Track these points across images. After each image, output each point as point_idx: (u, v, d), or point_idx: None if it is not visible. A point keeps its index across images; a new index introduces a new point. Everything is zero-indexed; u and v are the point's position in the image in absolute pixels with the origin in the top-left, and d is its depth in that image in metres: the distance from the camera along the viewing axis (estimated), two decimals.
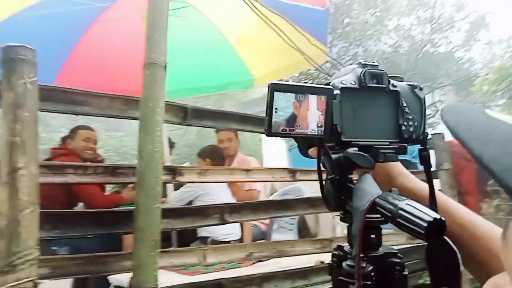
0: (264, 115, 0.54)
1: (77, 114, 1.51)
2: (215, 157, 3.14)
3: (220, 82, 4.22)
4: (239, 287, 1.78)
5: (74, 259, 1.39)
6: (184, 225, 1.65)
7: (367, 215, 0.48)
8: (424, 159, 0.59)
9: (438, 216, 0.42)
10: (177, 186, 3.29)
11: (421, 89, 0.62)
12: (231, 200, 3.04)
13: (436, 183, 2.70)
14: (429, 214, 0.42)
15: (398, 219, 0.44)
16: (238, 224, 3.05)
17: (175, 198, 2.99)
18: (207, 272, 2.21)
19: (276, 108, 0.53)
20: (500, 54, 8.44)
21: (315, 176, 2.03)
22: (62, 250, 2.55)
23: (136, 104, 1.59)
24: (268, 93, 0.53)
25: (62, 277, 1.37)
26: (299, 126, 0.54)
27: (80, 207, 2.82)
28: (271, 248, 1.94)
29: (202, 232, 2.90)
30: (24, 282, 1.13)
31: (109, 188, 3.49)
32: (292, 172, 2.06)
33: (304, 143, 0.64)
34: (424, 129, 0.61)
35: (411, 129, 0.60)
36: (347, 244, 0.59)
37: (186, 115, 1.74)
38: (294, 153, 7.23)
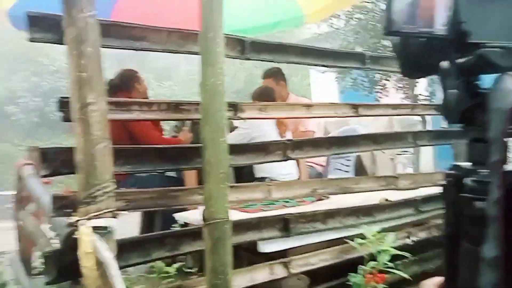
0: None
1: (136, 50, 1.48)
2: (267, 98, 3.07)
3: (270, 21, 4.04)
4: (303, 222, 1.78)
5: (147, 193, 1.43)
6: (248, 161, 1.64)
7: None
8: None
9: None
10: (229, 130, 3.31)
11: None
12: None
13: None
14: None
15: None
16: (295, 165, 3.03)
17: (229, 140, 2.98)
18: (268, 210, 2.23)
19: (396, 4, 0.45)
20: None
21: (378, 111, 1.92)
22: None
23: (194, 38, 1.53)
24: None
25: (136, 209, 1.41)
26: (422, 23, 0.46)
27: None
28: (335, 185, 1.90)
29: (260, 172, 2.91)
30: (104, 212, 1.17)
31: (166, 133, 3.57)
32: (355, 107, 1.96)
33: (412, 59, 0.55)
34: None
35: None
36: (465, 163, 0.52)
37: (244, 48, 1.67)
38: (346, 95, 6.98)
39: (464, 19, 0.47)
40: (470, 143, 0.51)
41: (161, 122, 3.22)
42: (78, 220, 1.10)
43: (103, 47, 1.39)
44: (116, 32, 1.45)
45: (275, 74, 3.53)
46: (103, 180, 1.17)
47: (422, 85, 6.15)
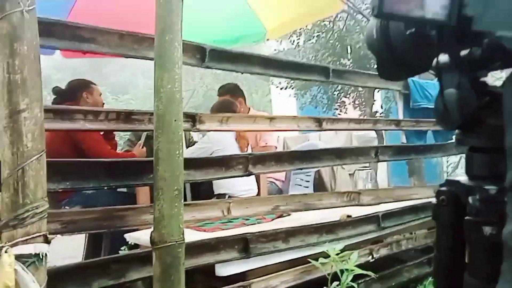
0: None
1: (84, 52, 1.33)
2: (227, 111, 2.96)
3: (231, 35, 3.99)
4: (264, 241, 1.68)
5: (88, 213, 1.26)
6: (206, 177, 1.52)
7: None
8: None
9: None
10: (188, 144, 3.16)
11: None
12: None
13: None
14: None
15: None
16: (255, 181, 2.93)
17: (188, 155, 2.84)
18: (227, 229, 2.10)
19: None
20: None
21: (342, 125, 1.84)
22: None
23: (149, 43, 1.41)
24: None
25: (75, 232, 1.24)
26: (417, 6, 0.37)
27: None
28: (297, 201, 1.81)
29: (219, 189, 2.78)
30: (34, 237, 1.00)
31: (119, 148, 3.36)
32: (318, 120, 1.90)
33: (394, 58, 0.46)
34: None
35: None
36: (464, 177, 0.43)
37: (204, 56, 1.56)
38: (305, 111, 7.04)
39: (468, 2, 0.38)
40: (471, 153, 0.43)
41: (115, 136, 3.02)
42: (0, 246, 0.92)
43: (45, 48, 1.24)
44: (60, 32, 1.30)
45: (232, 91, 3.41)
46: (34, 199, 1.00)
47: (378, 103, 6.32)
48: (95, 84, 2.84)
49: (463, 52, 0.40)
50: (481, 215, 0.40)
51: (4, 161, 1.01)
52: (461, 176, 0.44)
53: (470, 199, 0.41)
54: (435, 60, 0.42)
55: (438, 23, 0.38)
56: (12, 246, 0.95)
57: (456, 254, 0.44)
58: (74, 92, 2.69)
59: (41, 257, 0.98)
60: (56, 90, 2.75)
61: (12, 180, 1.00)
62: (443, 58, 0.42)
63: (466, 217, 0.41)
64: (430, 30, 0.41)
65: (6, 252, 0.92)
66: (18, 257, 0.94)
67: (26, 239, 0.98)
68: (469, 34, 0.39)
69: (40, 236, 1.00)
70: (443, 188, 0.45)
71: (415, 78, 2.58)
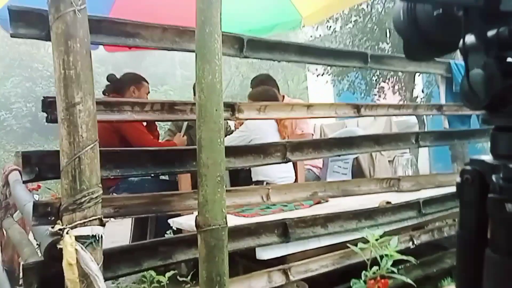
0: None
1: (129, 47, 1.41)
2: (268, 99, 2.99)
3: (267, 24, 3.99)
4: (303, 227, 1.71)
5: (137, 198, 1.35)
6: (246, 164, 1.56)
7: None
8: None
9: None
10: (226, 133, 3.22)
11: None
12: None
13: None
14: None
15: None
16: (292, 168, 2.96)
17: (227, 143, 2.91)
18: (265, 215, 2.15)
19: None
20: None
21: (381, 111, 1.83)
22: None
23: (189, 36, 1.46)
24: None
25: (126, 216, 1.33)
26: None
27: None
28: (335, 188, 1.83)
29: (258, 176, 2.84)
30: (91, 220, 1.09)
31: (160, 138, 3.48)
32: (356, 107, 1.89)
33: (421, 37, 0.47)
34: None
35: None
36: (488, 156, 0.44)
37: (242, 46, 1.60)
38: (342, 98, 6.93)
39: None
40: (496, 133, 0.44)
41: (157, 127, 3.12)
42: (62, 228, 1.02)
43: (94, 44, 1.32)
44: (107, 29, 1.38)
45: (265, 82, 3.42)
46: (90, 186, 1.09)
47: (419, 87, 6.11)
48: (146, 82, 2.91)
49: (490, 33, 0.41)
50: (504, 193, 0.41)
51: (63, 150, 1.10)
52: (486, 155, 0.45)
53: (493, 177, 0.42)
54: (461, 40, 0.43)
55: (465, 3, 0.39)
56: (72, 228, 1.04)
57: (479, 231, 0.45)
58: (123, 85, 2.80)
59: (97, 238, 1.07)
60: (110, 78, 2.86)
61: (70, 168, 1.09)
62: (470, 38, 0.42)
63: (490, 195, 0.42)
64: (457, 11, 0.42)
65: (67, 233, 1.02)
66: (78, 238, 1.03)
67: (84, 222, 1.07)
68: (497, 14, 0.40)
69: (96, 219, 1.09)
70: (467, 167, 0.46)
71: (458, 61, 2.49)
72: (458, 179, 0.48)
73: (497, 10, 0.40)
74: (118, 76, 2.89)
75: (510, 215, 0.40)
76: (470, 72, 0.43)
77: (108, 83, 2.85)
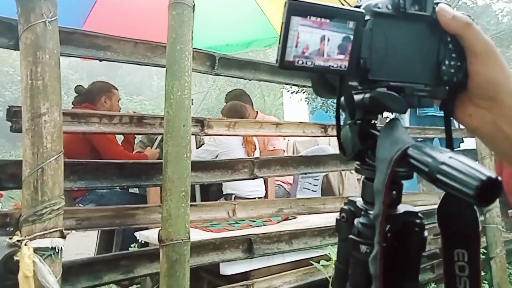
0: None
1: (100, 60, 1.42)
2: (236, 114, 3.04)
3: (244, 40, 4.06)
4: (268, 243, 1.73)
5: (101, 211, 1.34)
6: (213, 179, 1.58)
7: (395, 169, 0.39)
8: None
9: (493, 175, 0.33)
10: (198, 146, 3.24)
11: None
12: None
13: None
14: (482, 172, 0.34)
15: (437, 175, 0.36)
16: (262, 182, 3.00)
17: (195, 157, 2.93)
18: (233, 230, 2.17)
19: (292, 34, 0.40)
20: None
21: None
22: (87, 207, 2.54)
23: (161, 51, 1.48)
24: (284, 15, 0.40)
25: (89, 228, 1.32)
26: (319, 57, 0.42)
27: None
28: (301, 205, 1.86)
29: (227, 189, 2.86)
30: (51, 232, 1.08)
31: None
32: (324, 127, 1.95)
33: (321, 79, 0.52)
34: (466, 72, 0.48)
35: (452, 70, 0.47)
36: (360, 199, 0.49)
37: (214, 63, 1.63)
38: (316, 116, 7.07)
39: (364, 55, 0.43)
40: (364, 180, 0.49)
41: (135, 137, 3.10)
42: (20, 240, 1.01)
43: (63, 56, 1.32)
44: (78, 41, 1.38)
45: (239, 97, 3.48)
46: (52, 197, 1.08)
47: None
48: (116, 89, 2.90)
49: (357, 97, 0.46)
50: (360, 236, 0.46)
51: (26, 161, 1.10)
52: (359, 197, 0.50)
53: (355, 220, 0.47)
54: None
55: (339, 73, 0.43)
56: (31, 239, 1.03)
57: (347, 265, 0.49)
58: (94, 95, 2.78)
59: (57, 250, 1.06)
60: (78, 89, 2.84)
61: (32, 179, 1.09)
62: (343, 99, 0.47)
63: (349, 236, 0.47)
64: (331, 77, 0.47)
65: (25, 245, 1.00)
66: (36, 250, 1.02)
67: (44, 234, 1.06)
68: (366, 81, 0.45)
69: (56, 231, 1.08)
70: (345, 207, 0.51)
71: None
72: (338, 216, 0.52)
73: (366, 78, 0.45)
74: (86, 86, 2.87)
75: (365, 256, 0.44)
76: (342, 128, 0.48)
77: (76, 94, 2.83)
